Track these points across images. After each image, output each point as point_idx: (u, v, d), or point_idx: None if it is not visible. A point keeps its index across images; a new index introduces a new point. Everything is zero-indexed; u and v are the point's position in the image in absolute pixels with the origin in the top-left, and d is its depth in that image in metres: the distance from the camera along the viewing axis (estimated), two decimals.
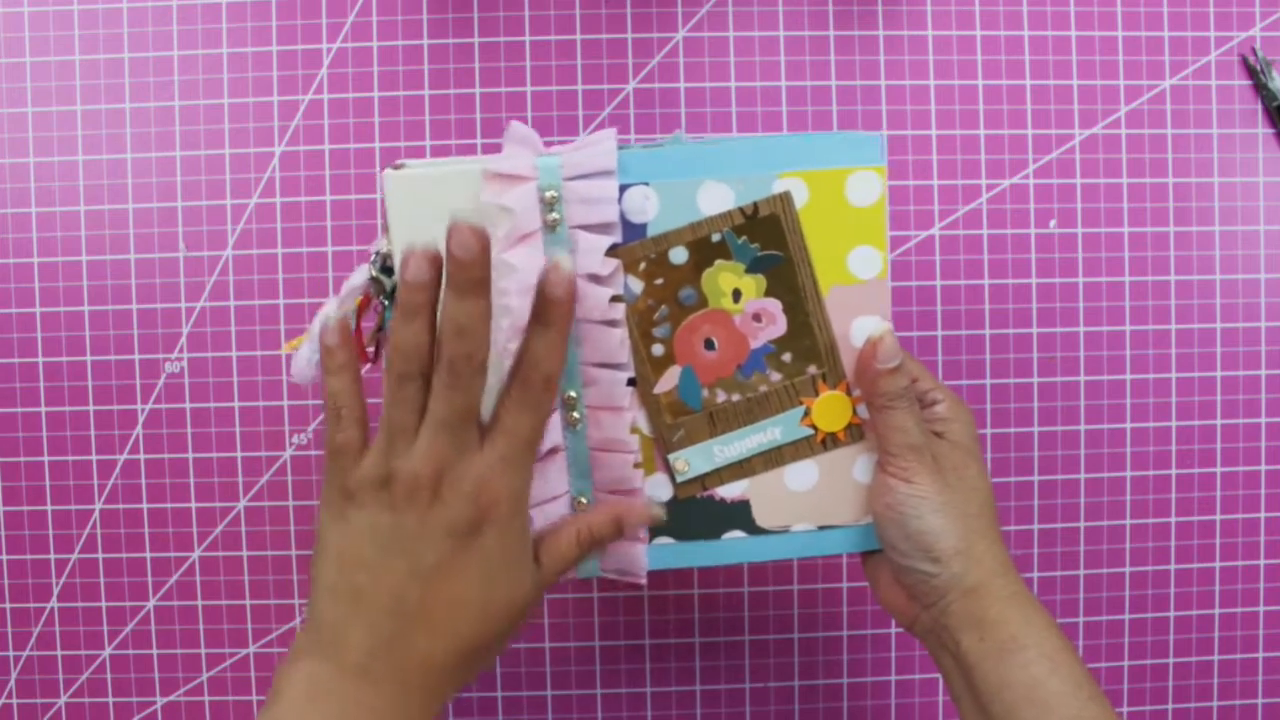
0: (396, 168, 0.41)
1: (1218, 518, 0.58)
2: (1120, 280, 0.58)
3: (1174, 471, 0.58)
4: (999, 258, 0.58)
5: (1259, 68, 0.57)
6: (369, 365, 0.44)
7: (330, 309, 0.43)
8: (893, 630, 0.58)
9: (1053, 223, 0.58)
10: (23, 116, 0.57)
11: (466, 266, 0.36)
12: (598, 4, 0.57)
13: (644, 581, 0.44)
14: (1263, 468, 0.58)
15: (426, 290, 0.37)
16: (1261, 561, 0.58)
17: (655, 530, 0.44)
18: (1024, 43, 0.57)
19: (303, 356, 0.42)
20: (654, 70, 0.57)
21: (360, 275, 0.43)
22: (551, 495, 0.43)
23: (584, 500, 0.43)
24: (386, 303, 0.43)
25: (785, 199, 0.42)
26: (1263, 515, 0.58)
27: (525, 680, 0.58)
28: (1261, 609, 0.58)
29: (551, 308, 0.38)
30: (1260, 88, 0.57)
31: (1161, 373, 0.58)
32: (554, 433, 0.42)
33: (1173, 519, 0.58)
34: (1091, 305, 0.58)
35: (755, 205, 0.42)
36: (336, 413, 0.39)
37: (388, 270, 0.42)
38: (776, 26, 0.57)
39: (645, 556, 0.44)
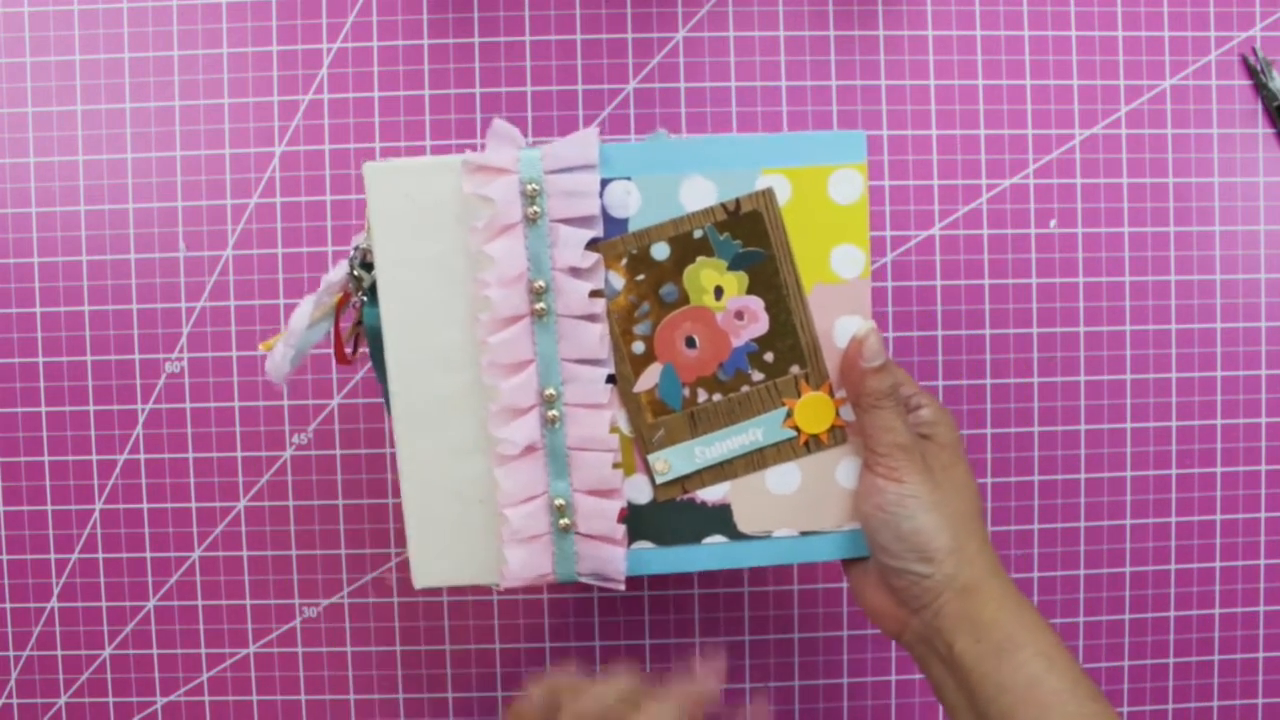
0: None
1: (1218, 518, 0.58)
2: (1120, 280, 0.58)
3: (1174, 471, 0.58)
4: (999, 258, 0.57)
5: (1259, 68, 0.57)
6: (349, 365, 0.44)
7: (307, 305, 0.42)
8: None
9: (1053, 223, 0.58)
10: (23, 116, 0.57)
11: None
12: (598, 4, 0.57)
13: (622, 587, 0.43)
14: (1263, 468, 0.58)
15: None
16: (1261, 561, 0.58)
17: (634, 534, 0.43)
18: (1024, 43, 0.57)
19: (278, 354, 0.41)
20: (654, 70, 0.57)
21: (339, 271, 0.42)
22: (528, 495, 0.42)
23: (561, 501, 0.42)
24: (365, 298, 0.42)
25: (768, 195, 0.41)
26: (1263, 515, 0.58)
27: (525, 680, 0.58)
28: (1261, 609, 0.58)
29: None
30: (1260, 88, 0.57)
31: (1161, 373, 0.58)
32: (532, 430, 0.41)
33: (1173, 519, 0.58)
34: (1091, 305, 0.58)
35: (738, 201, 0.41)
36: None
37: (367, 266, 0.41)
38: (776, 26, 0.57)
39: (624, 561, 0.43)
